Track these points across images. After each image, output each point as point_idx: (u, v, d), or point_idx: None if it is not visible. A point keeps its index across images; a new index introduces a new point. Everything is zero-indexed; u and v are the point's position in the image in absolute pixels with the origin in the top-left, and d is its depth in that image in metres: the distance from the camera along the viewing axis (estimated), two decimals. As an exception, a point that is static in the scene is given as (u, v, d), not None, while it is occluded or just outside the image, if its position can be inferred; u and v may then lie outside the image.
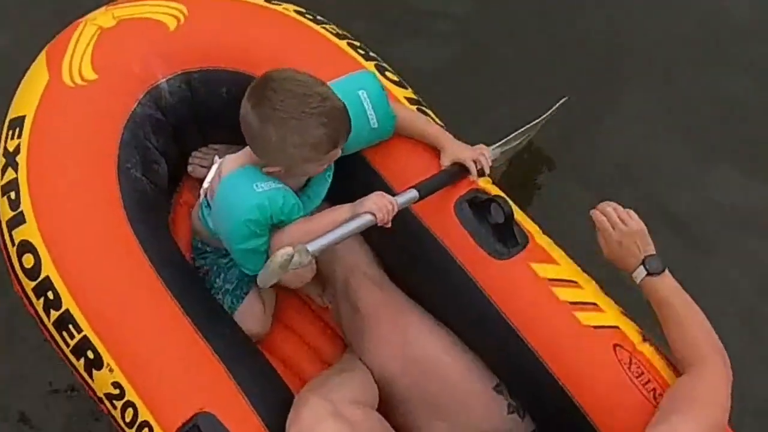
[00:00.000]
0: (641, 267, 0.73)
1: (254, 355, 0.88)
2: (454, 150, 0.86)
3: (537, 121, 1.36)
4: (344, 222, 0.72)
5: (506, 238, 0.86)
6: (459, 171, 0.87)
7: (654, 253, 0.74)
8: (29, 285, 0.83)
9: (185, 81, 0.97)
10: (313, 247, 0.67)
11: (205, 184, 0.86)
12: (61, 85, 0.90)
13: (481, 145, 0.94)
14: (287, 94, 0.65)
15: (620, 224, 0.74)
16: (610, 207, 0.78)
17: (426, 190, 0.81)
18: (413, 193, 0.79)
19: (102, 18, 0.98)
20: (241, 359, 0.81)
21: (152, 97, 0.93)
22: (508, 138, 1.27)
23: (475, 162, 0.85)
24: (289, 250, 0.63)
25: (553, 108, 1.41)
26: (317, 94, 0.67)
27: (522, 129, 1.31)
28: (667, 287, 0.72)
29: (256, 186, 0.71)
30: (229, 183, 0.77)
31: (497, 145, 1.22)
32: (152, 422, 0.72)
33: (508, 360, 0.87)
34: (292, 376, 0.91)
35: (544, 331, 0.82)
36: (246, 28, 1.02)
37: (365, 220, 0.71)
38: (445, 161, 0.86)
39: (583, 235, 0.95)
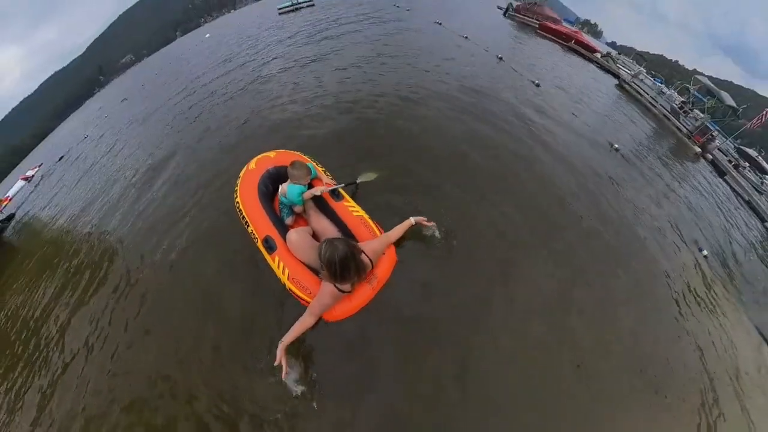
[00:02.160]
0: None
1: (285, 228, 3.30)
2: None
3: (353, 183, 3.89)
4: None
5: (336, 197, 3.35)
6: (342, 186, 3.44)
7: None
8: (240, 215, 3.42)
9: (275, 169, 3.62)
10: (311, 192, 3.33)
11: (281, 191, 3.44)
12: (248, 169, 3.64)
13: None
14: (298, 164, 3.29)
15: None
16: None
17: (343, 187, 3.52)
18: (341, 185, 3.48)
19: (258, 156, 3.79)
20: (280, 228, 3.21)
21: (268, 172, 3.59)
22: (340, 185, 3.62)
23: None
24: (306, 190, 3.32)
25: (356, 181, 3.92)
26: (304, 163, 3.32)
27: (346, 183, 3.78)
28: (407, 224, 3.10)
29: (294, 186, 3.29)
30: (289, 187, 3.34)
31: (339, 185, 3.68)
32: (258, 237, 3.20)
33: (343, 229, 3.20)
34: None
35: (347, 219, 3.21)
36: (288, 158, 3.69)
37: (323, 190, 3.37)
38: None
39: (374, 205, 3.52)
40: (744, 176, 12.54)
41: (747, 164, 14.80)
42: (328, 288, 2.53)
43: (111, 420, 3.10)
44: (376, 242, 2.86)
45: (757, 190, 12.22)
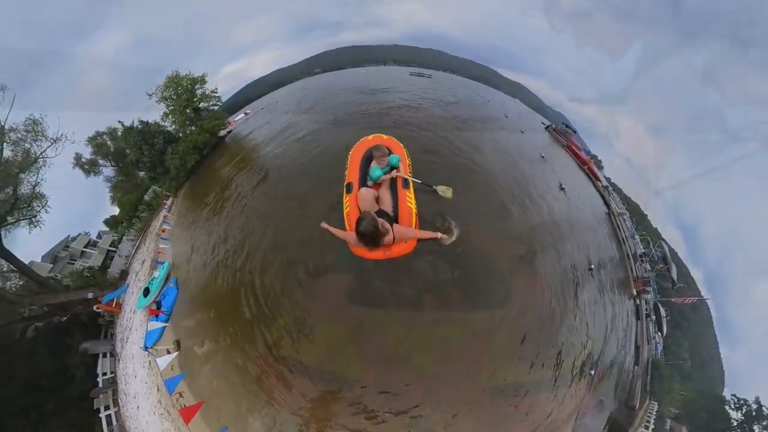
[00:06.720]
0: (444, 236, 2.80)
1: (366, 184, 3.01)
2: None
3: (429, 185, 3.28)
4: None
5: (405, 186, 2.94)
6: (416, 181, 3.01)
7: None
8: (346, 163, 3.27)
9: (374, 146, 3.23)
10: (384, 178, 2.96)
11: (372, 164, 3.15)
12: (366, 138, 3.40)
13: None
14: (380, 148, 3.01)
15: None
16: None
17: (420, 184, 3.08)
18: (416, 180, 2.99)
19: (376, 135, 3.51)
20: (362, 182, 2.98)
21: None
22: (416, 180, 3.15)
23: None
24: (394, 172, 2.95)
25: (432, 186, 3.30)
26: (384, 148, 2.99)
27: (422, 182, 3.19)
28: (433, 234, 2.72)
29: (374, 169, 3.00)
30: (372, 168, 3.03)
31: (414, 180, 3.18)
32: (346, 180, 3.05)
33: (395, 209, 2.80)
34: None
35: (401, 205, 2.81)
36: (393, 144, 3.34)
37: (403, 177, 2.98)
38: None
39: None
40: (647, 327, 10.54)
41: (654, 317, 12.11)
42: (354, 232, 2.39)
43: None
44: (408, 230, 2.59)
45: (647, 341, 10.23)
